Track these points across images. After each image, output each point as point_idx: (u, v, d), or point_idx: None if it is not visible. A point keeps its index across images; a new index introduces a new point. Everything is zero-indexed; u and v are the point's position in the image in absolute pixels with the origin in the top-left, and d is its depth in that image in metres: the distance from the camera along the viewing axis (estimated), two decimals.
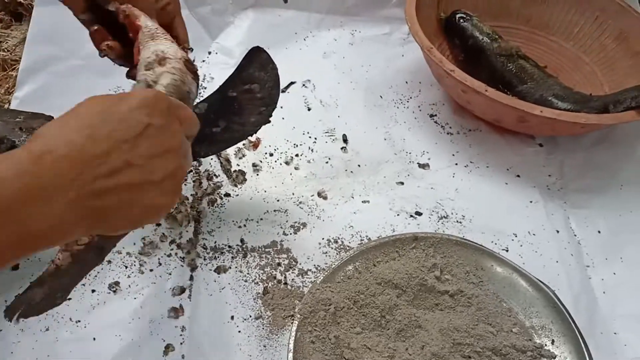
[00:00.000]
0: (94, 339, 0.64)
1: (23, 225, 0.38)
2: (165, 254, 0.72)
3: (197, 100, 0.74)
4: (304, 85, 0.94)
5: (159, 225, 0.74)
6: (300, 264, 0.72)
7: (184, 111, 0.48)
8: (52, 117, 0.65)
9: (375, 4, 1.05)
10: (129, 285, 0.68)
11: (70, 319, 0.65)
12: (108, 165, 0.40)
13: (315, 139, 0.87)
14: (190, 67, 0.54)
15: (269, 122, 0.72)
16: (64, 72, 0.89)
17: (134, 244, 0.72)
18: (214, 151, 0.77)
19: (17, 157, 0.39)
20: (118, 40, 0.59)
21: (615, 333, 0.68)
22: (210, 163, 0.81)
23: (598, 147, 0.88)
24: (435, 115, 0.92)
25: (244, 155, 0.83)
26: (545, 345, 0.64)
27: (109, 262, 0.70)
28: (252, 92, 0.69)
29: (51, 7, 0.92)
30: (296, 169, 0.83)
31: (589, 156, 0.87)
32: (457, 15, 0.95)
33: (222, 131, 0.71)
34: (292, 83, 0.94)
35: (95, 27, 0.59)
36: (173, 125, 0.45)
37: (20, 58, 0.88)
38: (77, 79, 0.88)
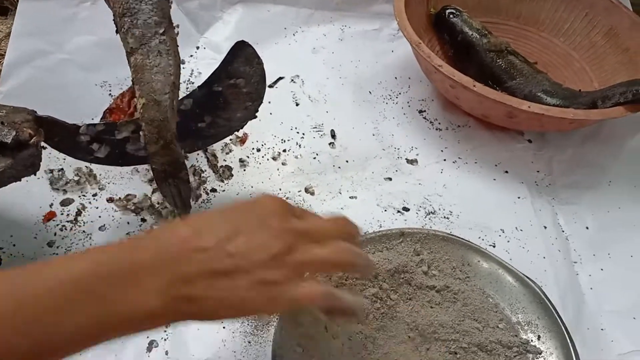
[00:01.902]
0: None
1: (106, 305, 0.38)
2: None
3: (183, 95, 0.74)
4: (292, 80, 0.94)
5: (144, 220, 0.74)
6: None
7: (299, 210, 0.47)
8: (35, 112, 0.64)
9: None
10: None
11: None
12: (203, 252, 0.40)
13: (303, 134, 0.86)
14: None
15: (256, 117, 0.71)
16: (50, 66, 0.87)
17: (120, 240, 0.71)
18: (200, 146, 0.76)
19: (119, 242, 0.41)
20: None
21: (602, 329, 0.68)
22: (197, 158, 0.81)
23: (587, 143, 0.88)
24: (425, 111, 0.92)
25: (230, 151, 0.82)
26: (531, 340, 0.64)
27: None
28: (238, 86, 0.68)
29: (37, 1, 0.91)
30: (283, 164, 0.82)
31: (578, 152, 0.87)
32: (447, 11, 0.95)
33: (207, 126, 0.70)
34: (280, 78, 0.94)
35: None
36: (282, 222, 0.43)
37: (5, 52, 0.87)
38: (62, 74, 0.87)
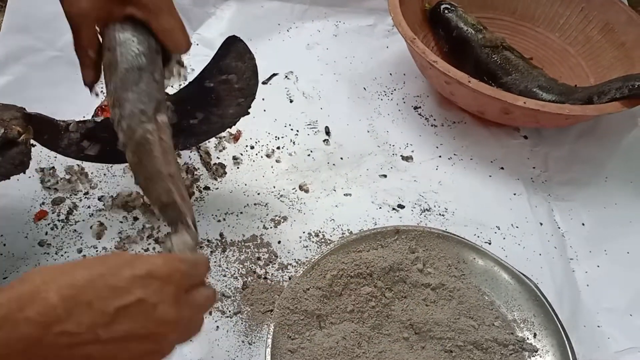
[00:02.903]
0: None
1: None
2: (142, 248, 0.70)
3: (174, 91, 0.73)
4: (286, 76, 0.93)
5: (136, 219, 0.73)
6: (280, 258, 0.71)
7: (197, 271, 0.45)
8: (24, 109, 0.63)
9: None
10: None
11: None
12: (69, 337, 0.36)
13: (298, 131, 0.86)
14: None
15: (248, 113, 0.70)
16: (40, 63, 0.87)
17: (111, 239, 0.71)
18: (193, 143, 0.75)
19: None
20: None
21: (598, 326, 0.67)
22: (190, 156, 0.80)
23: (583, 139, 0.87)
24: (420, 107, 0.91)
25: (224, 148, 0.82)
26: (527, 338, 0.63)
27: (84, 257, 0.69)
28: (230, 82, 0.67)
29: None
30: (277, 161, 0.82)
31: (574, 149, 0.86)
32: (442, 6, 0.94)
33: (200, 123, 0.69)
34: (274, 75, 0.93)
35: None
36: (170, 308, 0.40)
37: None
38: (53, 71, 0.86)
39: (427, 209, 0.77)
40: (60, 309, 0.36)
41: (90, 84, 0.59)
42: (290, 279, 0.68)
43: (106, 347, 0.38)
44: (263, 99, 0.87)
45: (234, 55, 0.66)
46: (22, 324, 0.36)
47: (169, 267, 0.41)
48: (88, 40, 0.57)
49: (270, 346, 0.59)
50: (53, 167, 0.76)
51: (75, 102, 0.81)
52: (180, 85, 0.85)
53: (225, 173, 0.79)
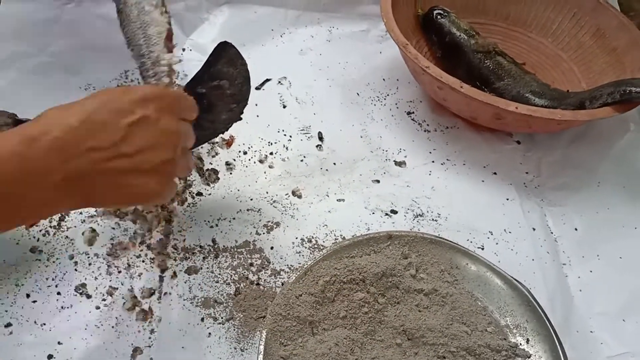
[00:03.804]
0: (59, 342, 0.62)
1: (11, 203, 0.40)
2: (134, 254, 0.70)
3: None
4: (279, 82, 0.93)
5: (128, 226, 0.72)
6: (273, 264, 0.71)
7: (184, 102, 0.52)
8: (15, 115, 0.63)
9: (352, 0, 1.03)
10: (96, 288, 0.67)
11: (35, 322, 0.63)
12: (97, 152, 0.42)
13: (291, 136, 0.86)
14: None
15: (241, 119, 0.70)
16: (33, 69, 0.86)
17: (103, 245, 0.70)
18: None
19: (9, 137, 0.41)
20: None
21: (591, 331, 0.67)
22: None
23: (575, 144, 0.87)
24: (413, 112, 0.91)
25: (217, 154, 0.82)
26: (520, 344, 0.63)
27: (75, 263, 0.68)
28: (222, 88, 0.67)
29: (20, 3, 0.90)
30: (270, 167, 0.81)
31: (567, 153, 0.86)
32: (435, 12, 0.94)
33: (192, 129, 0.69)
34: (267, 80, 0.93)
35: None
36: (171, 121, 0.47)
37: None
38: (45, 76, 0.86)
39: (420, 215, 0.77)
40: (81, 129, 0.42)
41: None
42: (282, 285, 0.68)
43: (129, 159, 0.44)
44: (256, 105, 0.87)
45: (225, 61, 0.66)
46: (54, 143, 0.41)
47: (159, 90, 0.48)
48: None
49: (262, 353, 0.59)
50: None
51: None
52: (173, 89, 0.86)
53: (218, 179, 0.79)
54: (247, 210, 0.76)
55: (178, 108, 0.50)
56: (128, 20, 0.67)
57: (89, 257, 0.69)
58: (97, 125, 0.43)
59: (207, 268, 0.69)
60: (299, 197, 0.78)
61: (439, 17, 0.94)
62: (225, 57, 0.66)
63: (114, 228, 0.72)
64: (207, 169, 0.79)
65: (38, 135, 0.41)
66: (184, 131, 0.51)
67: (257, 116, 0.86)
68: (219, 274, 0.69)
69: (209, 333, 0.64)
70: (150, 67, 0.66)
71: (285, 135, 0.86)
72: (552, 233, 0.77)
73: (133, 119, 0.44)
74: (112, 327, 0.64)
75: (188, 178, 0.78)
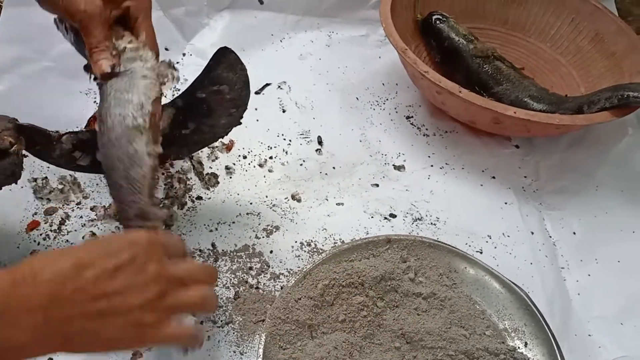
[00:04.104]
0: None
1: None
2: None
3: (167, 101, 0.74)
4: (279, 87, 0.94)
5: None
6: (272, 267, 0.71)
7: (174, 246, 0.50)
8: (16, 119, 0.64)
9: (352, 5, 1.04)
10: None
11: None
12: (82, 292, 0.42)
13: (290, 141, 0.86)
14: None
15: (240, 123, 0.71)
16: (33, 73, 0.87)
17: None
18: (185, 153, 0.76)
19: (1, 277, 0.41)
20: None
21: (589, 335, 0.68)
22: (182, 166, 0.80)
23: (574, 148, 0.88)
24: (412, 117, 0.91)
25: (216, 158, 0.82)
26: (518, 347, 0.63)
27: None
28: (222, 93, 0.67)
29: (21, 7, 0.90)
30: (270, 171, 0.82)
31: (565, 157, 0.86)
32: (434, 17, 0.95)
33: (192, 133, 0.70)
34: (267, 85, 0.93)
35: None
36: (156, 266, 0.46)
37: None
38: (47, 81, 0.86)
39: (418, 218, 0.77)
40: (70, 271, 0.42)
41: (111, 67, 0.59)
42: (282, 288, 0.68)
43: (113, 300, 0.43)
44: (256, 109, 0.87)
45: (225, 66, 0.67)
46: (42, 284, 0.41)
47: (148, 235, 0.47)
48: (103, 34, 0.60)
49: (261, 356, 0.59)
50: (46, 177, 0.76)
51: (68, 113, 0.82)
52: (173, 93, 0.86)
53: (218, 183, 0.79)
54: (247, 214, 0.76)
55: (168, 252, 0.48)
56: (106, 136, 0.57)
57: None
58: (86, 267, 0.42)
59: None
60: (299, 201, 0.78)
61: (437, 22, 0.94)
62: (225, 62, 0.67)
63: (113, 232, 0.73)
64: (207, 173, 0.80)
65: (27, 277, 0.41)
66: (175, 276, 0.48)
67: (257, 120, 0.87)
68: (219, 278, 0.69)
69: (208, 336, 0.64)
70: (132, 217, 0.57)
71: (284, 139, 0.86)
72: (550, 237, 0.77)
73: (120, 261, 0.44)
74: None
75: (188, 182, 0.79)
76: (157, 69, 0.61)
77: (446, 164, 0.85)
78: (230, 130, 0.71)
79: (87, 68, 0.62)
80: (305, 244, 0.74)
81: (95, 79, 0.62)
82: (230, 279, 0.69)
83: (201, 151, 0.81)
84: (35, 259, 0.44)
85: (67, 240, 0.71)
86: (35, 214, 0.73)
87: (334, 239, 0.74)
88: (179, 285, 0.47)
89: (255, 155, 0.83)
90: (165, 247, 0.48)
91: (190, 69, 0.93)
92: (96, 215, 0.74)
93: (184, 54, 0.97)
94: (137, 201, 0.56)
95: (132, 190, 0.56)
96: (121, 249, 0.45)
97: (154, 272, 0.45)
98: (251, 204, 0.77)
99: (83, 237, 0.71)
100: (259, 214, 0.76)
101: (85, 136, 0.68)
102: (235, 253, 0.72)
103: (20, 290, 0.40)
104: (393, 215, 0.77)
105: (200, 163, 0.81)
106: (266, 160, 0.83)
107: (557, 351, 0.61)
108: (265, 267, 0.71)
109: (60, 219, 0.73)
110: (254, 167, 0.82)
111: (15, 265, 0.42)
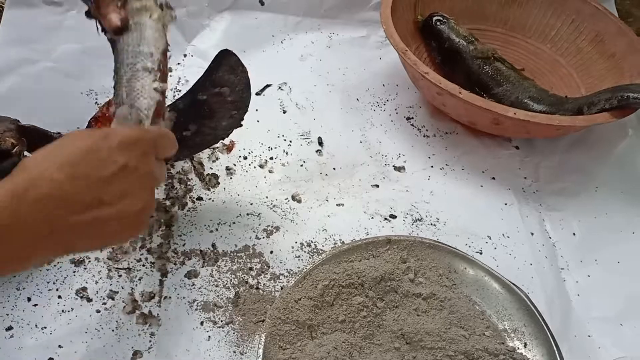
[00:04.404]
0: (60, 346, 0.62)
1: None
2: (135, 259, 0.71)
3: (168, 103, 0.74)
4: (279, 88, 0.94)
5: None
6: (272, 268, 0.71)
7: (163, 141, 0.52)
8: (18, 121, 0.64)
9: (352, 7, 1.04)
10: (97, 292, 0.67)
11: (36, 325, 0.64)
12: (82, 204, 0.44)
13: (290, 142, 0.86)
14: None
15: (241, 125, 0.71)
16: (35, 74, 0.87)
17: (103, 249, 0.71)
18: (186, 155, 0.76)
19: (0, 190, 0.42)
20: None
21: (589, 336, 0.68)
22: (183, 166, 0.80)
23: (574, 149, 0.88)
24: (412, 118, 0.92)
25: (217, 159, 0.82)
26: (518, 348, 0.64)
27: (76, 267, 0.69)
28: (223, 95, 0.68)
29: (22, 9, 0.91)
30: (270, 172, 0.82)
31: (565, 159, 0.87)
32: (434, 18, 0.95)
33: (193, 135, 0.70)
34: (267, 86, 0.93)
35: None
36: (148, 166, 0.49)
37: None
38: (48, 82, 0.87)
39: (419, 219, 0.78)
40: (66, 184, 0.43)
41: (121, 21, 0.59)
42: (282, 289, 0.68)
43: (110, 207, 0.45)
44: (256, 110, 0.87)
45: (226, 68, 0.67)
46: (42, 198, 0.42)
47: (138, 134, 0.49)
48: None
49: (261, 357, 0.59)
50: None
51: (71, 114, 0.82)
52: (174, 94, 0.87)
53: (219, 183, 0.79)
54: (247, 214, 0.76)
55: (156, 149, 0.51)
56: (120, 84, 0.59)
57: (89, 261, 0.70)
58: (81, 179, 0.44)
59: (207, 272, 0.70)
60: (299, 201, 0.79)
61: (438, 23, 0.94)
62: (226, 64, 0.67)
63: None
64: (208, 174, 0.80)
65: (26, 191, 0.42)
66: (158, 174, 0.52)
67: (258, 121, 0.87)
68: (219, 278, 0.69)
69: (209, 337, 0.65)
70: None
71: (285, 140, 0.86)
72: (550, 238, 0.77)
73: (114, 170, 0.45)
74: (113, 330, 0.64)
75: (188, 183, 0.79)
76: (162, 19, 0.61)
77: (446, 164, 0.85)
78: (231, 132, 0.71)
79: (89, 14, 0.62)
80: (305, 244, 0.74)
81: (105, 32, 0.61)
82: (231, 280, 0.69)
83: (202, 152, 0.81)
84: (29, 165, 0.44)
85: None
86: None
87: (334, 240, 0.74)
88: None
89: (255, 156, 0.83)
90: (153, 142, 0.50)
91: (191, 70, 0.93)
92: None
93: (185, 55, 0.97)
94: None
95: (136, 119, 0.57)
96: (113, 155, 0.46)
97: (145, 173, 0.48)
98: (251, 204, 0.78)
99: None
100: (259, 214, 0.76)
101: None
102: (235, 253, 0.72)
103: (24, 208, 0.41)
104: (393, 216, 0.78)
105: (201, 164, 0.81)
106: (267, 161, 0.83)
107: (556, 352, 0.61)
108: (266, 267, 0.71)
109: None
110: (255, 167, 0.82)
111: (11, 176, 0.43)
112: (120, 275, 0.69)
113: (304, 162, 0.84)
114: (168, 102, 0.73)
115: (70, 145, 0.45)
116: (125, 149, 0.46)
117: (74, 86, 0.86)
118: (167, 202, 0.76)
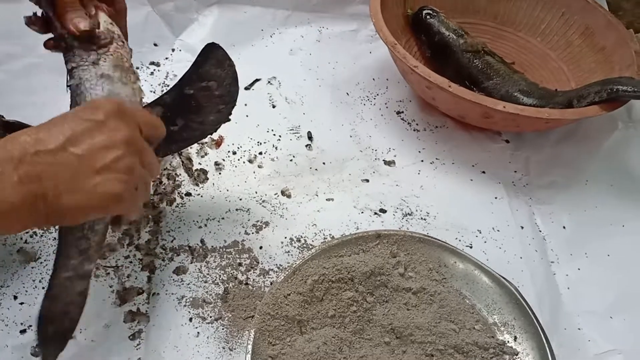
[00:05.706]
0: None
1: None
2: (122, 255, 0.70)
3: (155, 97, 0.73)
4: (269, 82, 0.93)
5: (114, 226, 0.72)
6: (262, 263, 0.71)
7: (142, 116, 0.53)
8: (2, 116, 0.63)
9: (342, 1, 1.04)
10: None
11: (22, 324, 0.63)
12: (44, 153, 0.44)
13: (280, 136, 0.86)
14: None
15: (229, 120, 0.70)
16: (21, 70, 0.86)
17: None
18: (174, 150, 0.75)
19: None
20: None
21: (579, 329, 0.68)
22: (171, 162, 0.80)
23: (564, 143, 0.88)
24: (402, 112, 0.91)
25: (206, 154, 0.81)
26: (508, 342, 0.64)
27: None
28: (210, 89, 0.67)
29: (9, 3, 0.89)
30: (260, 167, 0.81)
31: (555, 152, 0.87)
32: (424, 12, 0.95)
33: (180, 130, 0.69)
34: (257, 80, 0.93)
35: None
36: (120, 124, 0.48)
37: None
38: (33, 77, 0.86)
39: (409, 214, 0.77)
40: (29, 139, 0.44)
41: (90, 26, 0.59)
42: (271, 284, 0.68)
43: (78, 157, 0.45)
44: (246, 105, 0.87)
45: (213, 62, 0.66)
46: (5, 153, 0.43)
47: (112, 100, 0.50)
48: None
49: (250, 352, 0.59)
50: None
51: (56, 110, 0.80)
52: (162, 89, 0.86)
53: (207, 179, 0.79)
54: (236, 210, 0.76)
55: (132, 116, 0.51)
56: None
57: None
58: (42, 132, 0.45)
59: (196, 268, 0.69)
60: (288, 196, 0.78)
61: (428, 17, 0.94)
62: (213, 58, 0.66)
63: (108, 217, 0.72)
64: (196, 169, 0.79)
65: (5, 142, 0.44)
66: (141, 144, 0.51)
67: (247, 116, 0.86)
68: (208, 274, 0.69)
69: (198, 333, 0.64)
70: None
71: (274, 135, 0.86)
72: (540, 231, 0.77)
73: (78, 122, 0.46)
74: (101, 327, 0.63)
75: (177, 178, 0.78)
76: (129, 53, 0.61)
77: (436, 159, 0.85)
78: (218, 127, 0.70)
79: (48, 44, 0.62)
80: (295, 239, 0.73)
81: (60, 39, 0.61)
82: (220, 275, 0.69)
83: (190, 147, 0.80)
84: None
85: (55, 238, 0.70)
86: None
87: (323, 235, 0.74)
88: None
89: (244, 151, 0.83)
90: (128, 109, 0.50)
91: (179, 65, 0.93)
92: None
93: (173, 50, 0.96)
94: None
95: None
96: (80, 112, 0.47)
97: (114, 127, 0.48)
98: (241, 199, 0.77)
99: None
100: (248, 209, 0.76)
101: None
102: (224, 249, 0.71)
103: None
104: (383, 211, 0.77)
105: (190, 159, 0.80)
106: (256, 156, 0.83)
107: (546, 345, 0.61)
108: (255, 263, 0.71)
109: None
110: (244, 162, 0.82)
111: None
112: (107, 273, 0.68)
113: (294, 156, 0.83)
114: (156, 96, 0.73)
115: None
116: (95, 108, 0.48)
117: (60, 82, 0.84)
118: (155, 198, 0.75)
